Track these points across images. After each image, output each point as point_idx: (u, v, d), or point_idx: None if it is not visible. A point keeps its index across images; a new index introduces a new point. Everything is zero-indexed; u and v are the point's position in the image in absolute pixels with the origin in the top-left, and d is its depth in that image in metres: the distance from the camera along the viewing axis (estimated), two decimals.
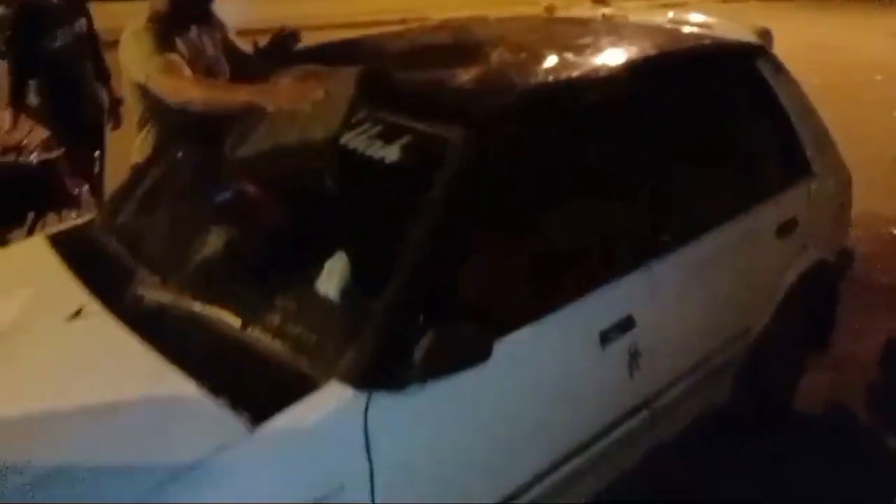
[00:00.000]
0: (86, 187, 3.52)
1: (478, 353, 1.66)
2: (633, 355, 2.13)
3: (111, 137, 3.96)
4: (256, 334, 1.72)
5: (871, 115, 7.23)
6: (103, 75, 3.93)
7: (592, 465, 2.17)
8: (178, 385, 1.60)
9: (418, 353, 1.59)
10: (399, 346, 1.61)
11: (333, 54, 2.47)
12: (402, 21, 13.74)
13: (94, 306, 1.89)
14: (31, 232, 3.41)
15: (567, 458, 2.05)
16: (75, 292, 1.96)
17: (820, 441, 2.99)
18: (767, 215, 2.66)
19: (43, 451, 1.51)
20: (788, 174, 2.81)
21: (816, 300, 3.04)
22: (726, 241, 2.48)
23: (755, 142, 2.73)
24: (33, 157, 3.39)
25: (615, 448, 2.23)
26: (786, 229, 2.72)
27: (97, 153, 3.66)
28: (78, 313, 1.86)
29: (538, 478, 1.97)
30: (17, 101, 3.62)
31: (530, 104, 2.04)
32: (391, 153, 1.89)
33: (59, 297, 1.97)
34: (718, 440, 2.79)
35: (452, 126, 1.89)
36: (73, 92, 3.74)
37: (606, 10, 3.13)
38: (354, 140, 1.96)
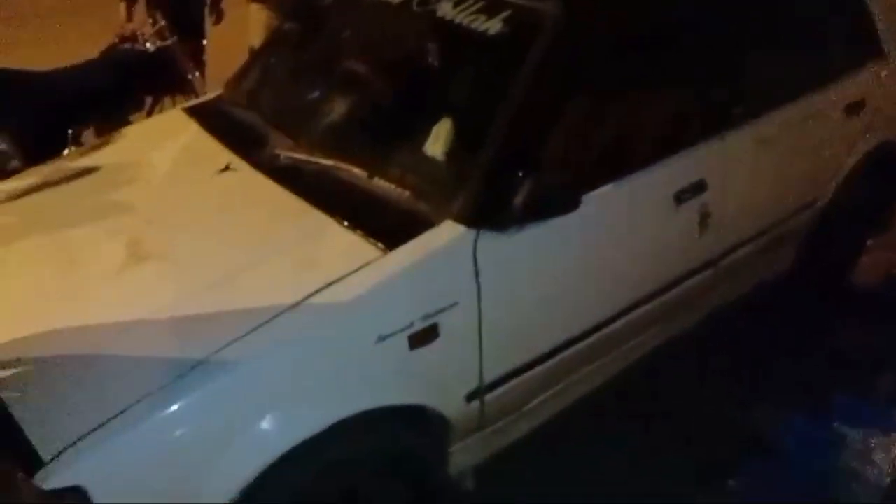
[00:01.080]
0: (197, 74, 3.84)
1: (567, 203, 1.94)
2: (704, 216, 2.38)
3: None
4: (381, 183, 2.03)
5: None
6: None
7: (661, 315, 2.47)
8: (321, 221, 1.94)
9: (517, 200, 1.88)
10: (502, 194, 1.89)
11: None
12: None
13: (238, 163, 2.22)
14: (149, 115, 3.78)
15: (639, 304, 2.35)
16: (219, 152, 2.30)
17: (875, 312, 3.22)
18: (836, 94, 2.81)
19: (203, 274, 1.85)
20: (859, 56, 2.92)
21: (881, 180, 3.19)
22: (795, 116, 2.65)
23: (828, 23, 2.84)
24: (149, 45, 3.71)
25: (683, 301, 2.52)
26: (853, 109, 2.86)
27: (204, 42, 3.96)
28: (226, 168, 2.20)
29: (614, 317, 2.28)
30: None
31: None
32: (493, 26, 2.13)
33: (205, 156, 2.32)
34: (778, 305, 3.05)
35: (548, 1, 2.11)
36: None
37: None
38: (460, 14, 2.20)
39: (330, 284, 1.73)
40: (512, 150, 1.97)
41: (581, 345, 2.21)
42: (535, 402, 2.25)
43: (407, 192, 1.99)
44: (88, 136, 3.68)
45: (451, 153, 2.07)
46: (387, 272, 1.78)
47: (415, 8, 2.29)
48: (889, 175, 3.24)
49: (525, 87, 2.03)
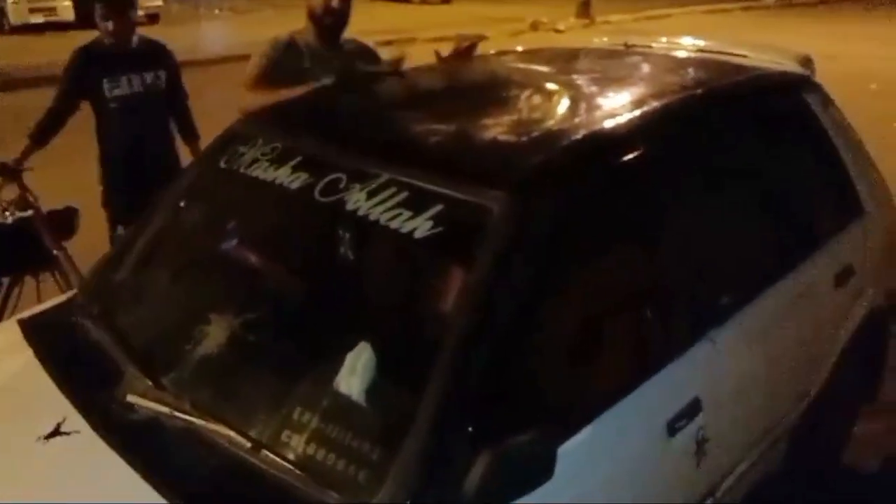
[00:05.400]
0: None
1: (541, 472, 1.38)
2: (701, 443, 1.86)
3: None
4: (270, 459, 1.42)
5: (873, 126, 7.03)
6: (190, 134, 3.47)
7: None
8: None
9: (471, 483, 1.31)
10: (447, 475, 1.33)
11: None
12: (389, 42, 13.57)
13: (74, 420, 1.59)
14: (5, 301, 3.10)
15: None
16: (53, 400, 1.66)
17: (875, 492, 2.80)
18: (824, 264, 2.40)
19: None
20: (842, 216, 2.55)
21: (872, 349, 2.79)
22: (786, 297, 2.21)
23: (806, 184, 2.48)
24: (8, 216, 3.08)
25: None
26: (843, 277, 2.46)
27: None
28: (56, 431, 1.56)
29: None
30: (38, 138, 3.22)
31: (577, 158, 1.77)
32: (421, 226, 1.60)
33: (33, 406, 1.68)
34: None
35: (492, 191, 1.61)
36: (132, 150, 3.27)
37: (629, 40, 2.86)
38: (376, 208, 1.67)
39: None
40: (455, 401, 1.41)
41: None
42: None
43: (307, 476, 1.39)
44: None
45: (372, 398, 1.50)
46: None
47: (318, 198, 1.75)
48: (878, 342, 2.84)
49: (468, 306, 1.50)
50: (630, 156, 1.84)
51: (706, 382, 1.88)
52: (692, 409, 1.82)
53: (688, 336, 1.88)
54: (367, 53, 2.81)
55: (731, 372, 1.97)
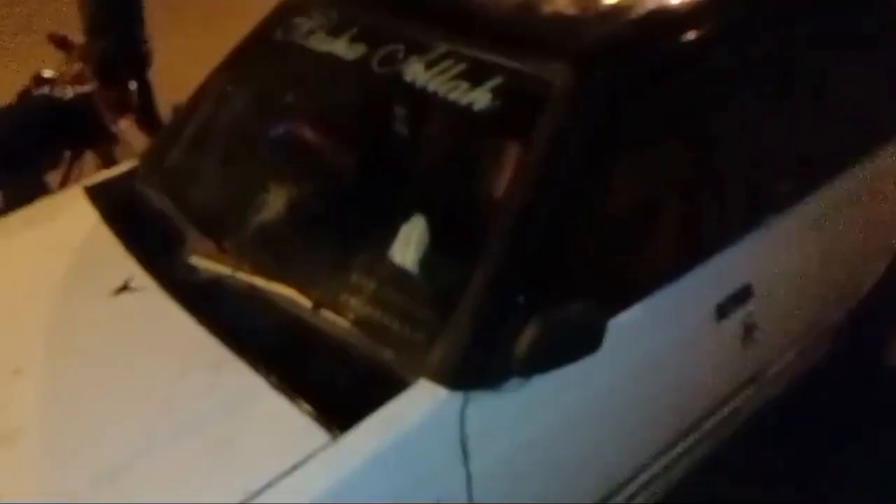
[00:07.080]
0: (123, 123, 3.25)
1: (590, 343, 1.41)
2: (749, 328, 1.86)
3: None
4: (330, 318, 1.48)
5: None
6: None
7: (693, 446, 1.96)
8: (243, 379, 1.38)
9: (521, 347, 1.35)
10: (498, 338, 1.36)
11: None
12: None
13: (141, 278, 1.66)
14: (68, 173, 3.19)
15: (671, 445, 1.84)
16: (119, 259, 1.73)
17: None
18: (890, 160, 2.32)
19: (79, 464, 1.30)
20: None
21: None
22: (848, 189, 2.15)
23: (879, 74, 2.36)
24: (67, 91, 3.13)
25: (718, 426, 2.00)
26: None
27: (134, 85, 3.35)
28: (124, 287, 1.64)
29: (641, 468, 1.76)
30: None
31: (642, 34, 1.71)
32: (479, 98, 1.58)
33: (101, 265, 1.76)
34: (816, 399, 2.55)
35: (554, 63, 1.58)
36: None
37: None
38: (433, 80, 1.65)
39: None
40: (509, 271, 1.44)
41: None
42: None
43: (366, 335, 1.44)
44: None
45: (427, 266, 1.53)
46: (333, 468, 1.23)
47: (376, 68, 1.73)
48: None
49: (525, 180, 1.50)
50: (695, 35, 1.76)
51: (759, 270, 1.87)
52: (743, 294, 1.82)
53: (743, 224, 1.86)
54: None
55: (783, 260, 1.95)
